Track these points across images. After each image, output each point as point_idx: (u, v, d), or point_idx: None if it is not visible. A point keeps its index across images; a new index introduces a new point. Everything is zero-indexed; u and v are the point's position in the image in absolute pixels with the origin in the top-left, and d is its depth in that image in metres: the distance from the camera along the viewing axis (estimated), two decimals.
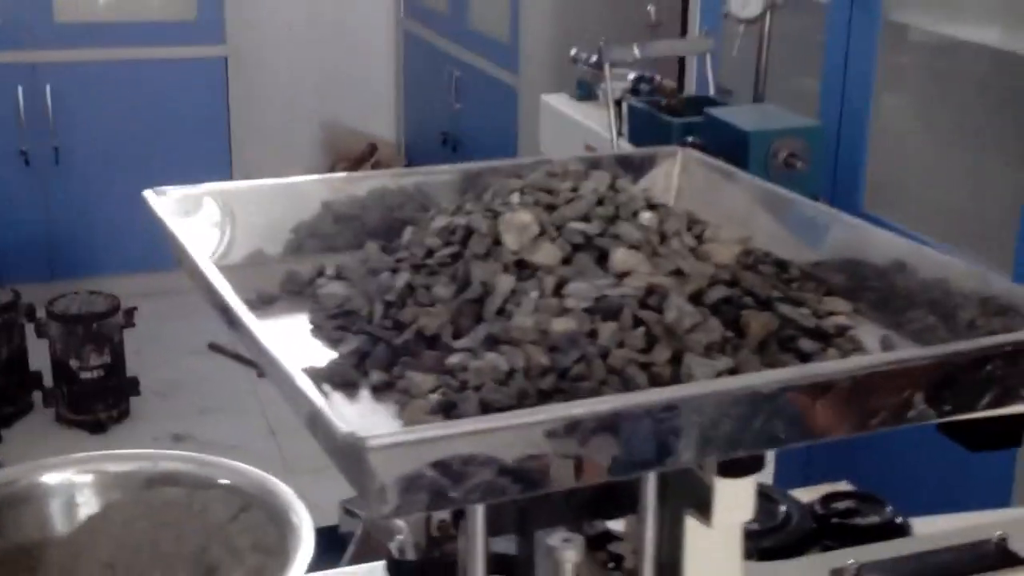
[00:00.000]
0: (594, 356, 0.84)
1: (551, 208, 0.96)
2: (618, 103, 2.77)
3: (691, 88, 3.14)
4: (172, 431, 3.78)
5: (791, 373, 0.81)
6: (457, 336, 0.90)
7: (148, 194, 1.07)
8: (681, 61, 3.38)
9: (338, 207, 1.18)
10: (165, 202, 1.07)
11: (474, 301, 0.91)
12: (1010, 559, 1.20)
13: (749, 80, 2.80)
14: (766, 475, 1.37)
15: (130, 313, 3.89)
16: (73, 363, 3.70)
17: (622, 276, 0.90)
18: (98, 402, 3.78)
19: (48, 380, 3.81)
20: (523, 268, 0.92)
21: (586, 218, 0.95)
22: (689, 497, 1.01)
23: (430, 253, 0.97)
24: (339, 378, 0.89)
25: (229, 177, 4.66)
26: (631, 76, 2.93)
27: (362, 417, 0.85)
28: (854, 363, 0.84)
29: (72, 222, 4.55)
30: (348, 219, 1.18)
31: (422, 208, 1.16)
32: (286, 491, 1.14)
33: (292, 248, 1.16)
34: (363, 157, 5.23)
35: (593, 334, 0.86)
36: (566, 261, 0.93)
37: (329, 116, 5.37)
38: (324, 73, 5.32)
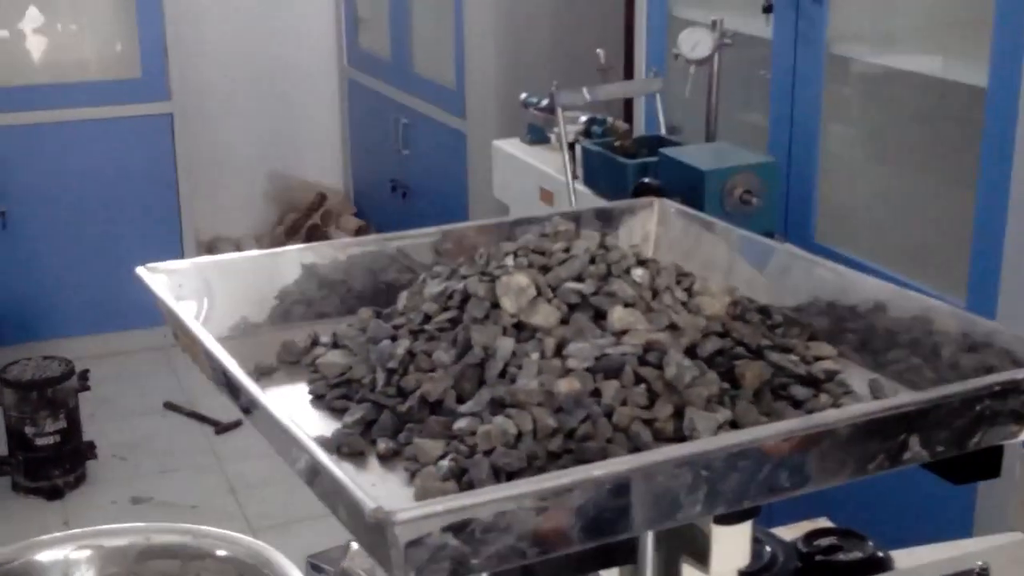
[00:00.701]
0: (599, 415, 0.86)
1: (545, 269, 0.98)
2: (572, 146, 2.80)
3: (640, 128, 3.18)
4: (131, 494, 3.74)
5: (802, 423, 0.83)
6: (460, 401, 0.91)
7: (142, 271, 1.08)
8: (628, 102, 3.43)
9: (322, 272, 1.19)
10: (159, 278, 1.08)
11: (476, 365, 0.92)
12: None
13: (697, 117, 2.84)
14: None
15: (84, 376, 3.85)
16: (28, 430, 3.65)
17: (621, 334, 0.93)
18: (55, 468, 3.72)
19: (3, 448, 3.75)
20: (522, 330, 0.94)
21: (580, 278, 0.98)
22: (686, 546, 1.03)
23: (427, 319, 0.98)
24: (347, 448, 0.90)
25: (178, 232, 4.64)
26: (583, 118, 2.97)
27: (374, 486, 0.86)
28: (854, 411, 0.86)
29: (21, 286, 4.50)
30: (333, 284, 1.19)
31: (407, 270, 1.18)
32: (282, 560, 1.15)
33: (278, 315, 1.17)
34: (312, 207, 5.23)
35: (596, 393, 0.88)
36: (563, 321, 0.95)
37: (277, 168, 5.37)
38: (270, 125, 5.32)
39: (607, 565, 1.08)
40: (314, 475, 0.79)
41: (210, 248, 5.22)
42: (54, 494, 3.71)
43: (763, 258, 1.18)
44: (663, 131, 2.89)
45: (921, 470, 1.20)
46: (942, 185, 2.68)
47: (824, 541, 1.36)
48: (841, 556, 1.33)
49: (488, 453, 0.84)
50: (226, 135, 5.25)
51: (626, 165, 2.61)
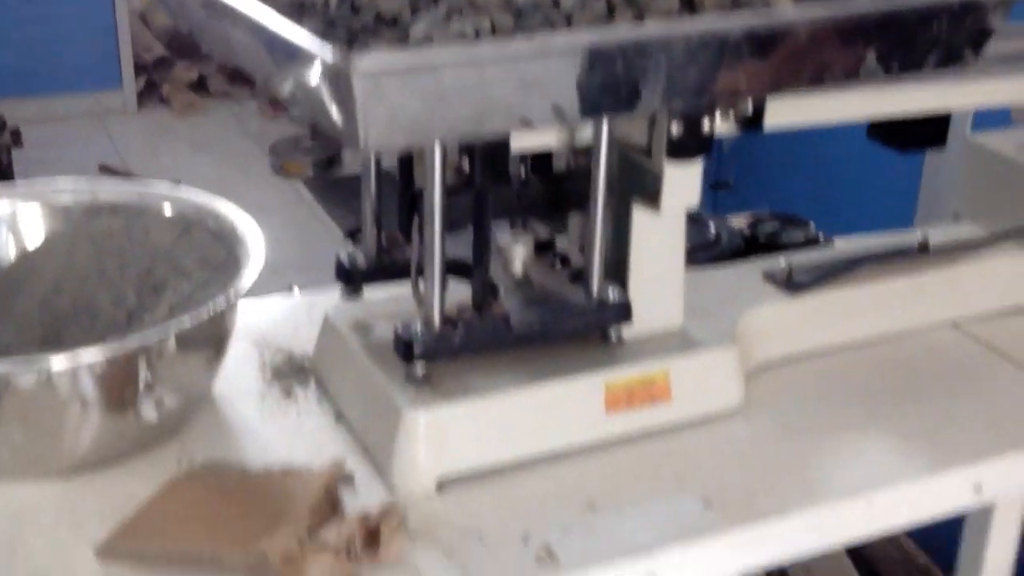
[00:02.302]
0: (559, 20, 0.85)
1: None
2: None
3: None
4: None
5: (763, 18, 0.82)
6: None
7: None
8: None
9: None
10: None
11: None
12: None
13: None
14: None
15: (17, 134, 3.78)
16: None
17: None
18: None
19: None
20: None
21: None
22: (638, 188, 1.04)
23: None
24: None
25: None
26: None
27: None
28: (815, 11, 0.86)
29: None
30: None
31: None
32: (231, 208, 1.14)
33: None
34: None
35: (555, 2, 0.87)
36: None
37: None
38: None
39: (559, 210, 1.09)
40: (262, 42, 0.77)
41: (143, 15, 5.08)
42: None
43: None
44: None
45: (868, 151, 1.22)
46: None
47: (768, 226, 1.38)
48: (784, 238, 1.36)
49: None
50: None
51: None
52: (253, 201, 1.02)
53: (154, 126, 4.77)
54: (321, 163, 4.56)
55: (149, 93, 5.03)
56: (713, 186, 2.94)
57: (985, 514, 1.14)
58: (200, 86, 5.13)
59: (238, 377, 1.14)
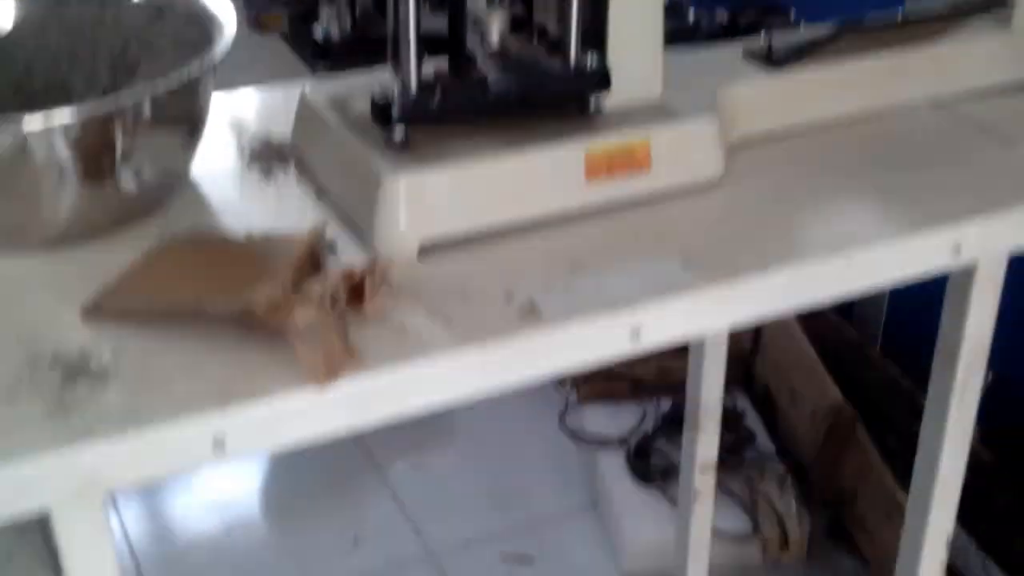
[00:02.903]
0: None
1: None
2: None
3: None
4: None
5: None
6: None
7: None
8: None
9: None
10: None
11: None
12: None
13: None
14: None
15: None
16: None
17: None
18: None
19: None
20: None
21: None
22: None
23: None
24: None
25: None
26: None
27: None
28: None
29: None
30: None
31: None
32: None
33: None
34: None
35: None
36: None
37: None
38: None
39: None
40: None
41: None
42: None
43: None
44: None
45: None
46: None
47: (748, 14, 1.37)
48: (764, 25, 1.34)
49: None
50: None
51: None
52: (228, 57, 1.01)
53: None
54: (298, 17, 4.49)
55: None
56: None
57: (966, 277, 1.15)
58: None
59: (216, 161, 1.14)
